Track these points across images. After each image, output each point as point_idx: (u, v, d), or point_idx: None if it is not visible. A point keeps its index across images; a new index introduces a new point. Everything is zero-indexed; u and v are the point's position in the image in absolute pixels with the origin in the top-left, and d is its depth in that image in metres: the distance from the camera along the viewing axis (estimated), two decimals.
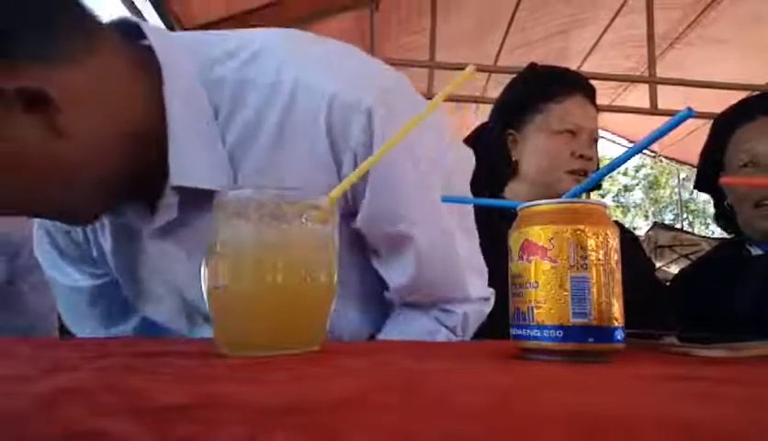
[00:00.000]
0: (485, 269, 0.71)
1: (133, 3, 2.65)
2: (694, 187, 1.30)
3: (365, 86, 0.58)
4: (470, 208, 0.70)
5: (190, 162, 0.56)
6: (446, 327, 0.68)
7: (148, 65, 0.56)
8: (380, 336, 0.68)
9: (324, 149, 0.57)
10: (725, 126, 1.16)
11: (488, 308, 0.71)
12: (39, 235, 0.77)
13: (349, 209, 0.61)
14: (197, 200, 0.57)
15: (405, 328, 0.67)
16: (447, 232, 0.65)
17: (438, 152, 0.65)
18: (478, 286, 0.69)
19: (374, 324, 0.69)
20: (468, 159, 0.74)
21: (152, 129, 0.56)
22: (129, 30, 0.59)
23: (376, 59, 0.66)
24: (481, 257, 0.70)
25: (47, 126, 0.51)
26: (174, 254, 0.64)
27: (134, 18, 0.60)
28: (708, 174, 1.20)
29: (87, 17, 0.54)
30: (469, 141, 1.34)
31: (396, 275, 0.64)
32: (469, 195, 0.71)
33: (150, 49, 0.57)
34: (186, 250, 0.64)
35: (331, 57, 0.62)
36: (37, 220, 0.77)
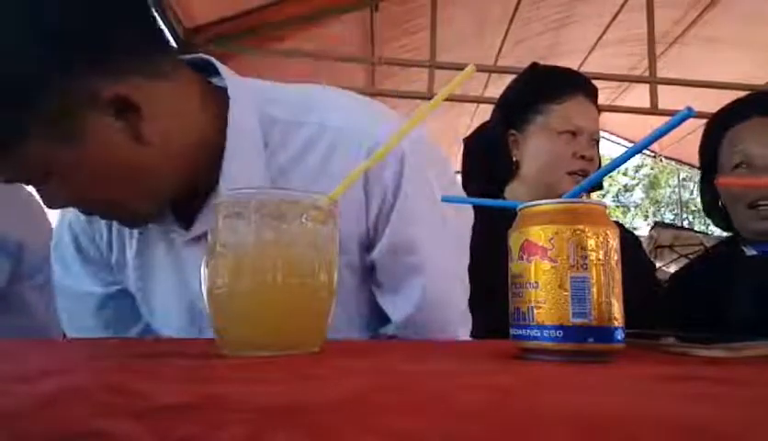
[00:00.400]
0: (470, 318, 0.74)
1: None
2: (702, 197, 1.25)
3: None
4: (467, 259, 0.74)
5: (240, 179, 0.62)
6: None
7: (215, 94, 0.65)
8: None
9: (359, 185, 0.64)
10: (719, 125, 1.15)
11: None
12: (62, 236, 0.77)
13: (369, 242, 0.66)
14: None
15: None
16: (450, 277, 0.70)
17: (454, 192, 0.73)
18: (464, 334, 0.72)
19: None
20: (468, 208, 0.79)
21: (210, 147, 0.63)
22: (195, 64, 0.67)
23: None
24: (468, 307, 0.73)
25: (130, 132, 0.57)
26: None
27: (206, 56, 0.68)
28: (704, 173, 1.19)
29: (170, 42, 0.62)
30: (470, 141, 1.34)
31: (399, 307, 0.67)
32: (468, 238, 0.75)
33: (213, 82, 0.66)
34: None
35: (369, 108, 0.71)
36: (64, 224, 0.78)
